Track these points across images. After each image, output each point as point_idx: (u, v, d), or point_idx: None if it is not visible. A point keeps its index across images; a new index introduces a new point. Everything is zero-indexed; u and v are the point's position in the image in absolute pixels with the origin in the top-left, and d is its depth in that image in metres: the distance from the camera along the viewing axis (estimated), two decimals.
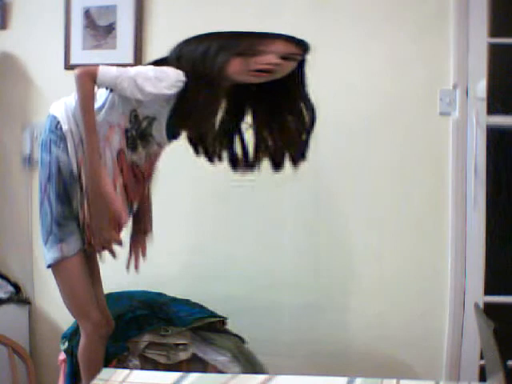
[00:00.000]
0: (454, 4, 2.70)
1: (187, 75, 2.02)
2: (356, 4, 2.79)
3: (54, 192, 2.07)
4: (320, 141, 2.85)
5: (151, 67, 2.06)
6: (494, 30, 2.73)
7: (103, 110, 2.08)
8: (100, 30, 2.93)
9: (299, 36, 2.09)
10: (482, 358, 2.68)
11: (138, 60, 2.90)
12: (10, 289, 2.98)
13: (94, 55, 2.94)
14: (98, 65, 2.03)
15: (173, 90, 2.01)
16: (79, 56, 2.95)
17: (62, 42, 2.97)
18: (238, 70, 2.06)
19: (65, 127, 2.08)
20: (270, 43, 2.06)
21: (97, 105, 2.06)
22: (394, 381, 1.62)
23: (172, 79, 2.00)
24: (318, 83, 2.54)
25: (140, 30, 2.90)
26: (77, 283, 2.12)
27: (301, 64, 2.18)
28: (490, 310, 2.65)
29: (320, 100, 2.61)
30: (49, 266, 2.11)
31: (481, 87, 2.72)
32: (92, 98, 2.02)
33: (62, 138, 2.08)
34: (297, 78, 2.19)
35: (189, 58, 2.06)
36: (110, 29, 2.92)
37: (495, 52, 2.75)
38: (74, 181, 2.07)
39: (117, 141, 2.09)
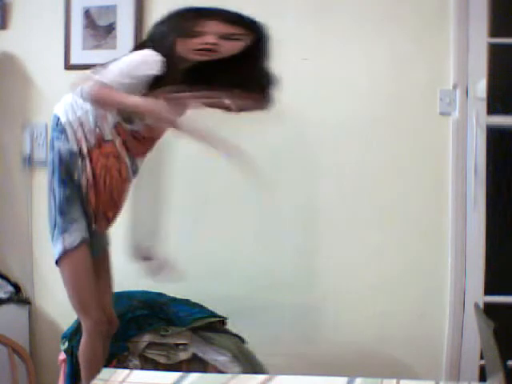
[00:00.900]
0: (454, 4, 2.70)
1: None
2: (356, 4, 2.79)
3: (57, 180, 2.15)
4: (320, 140, 2.85)
5: (121, 69, 2.12)
6: (494, 30, 2.73)
7: None
8: (100, 29, 2.93)
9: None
10: (482, 358, 2.68)
11: None
12: (10, 289, 2.98)
13: (94, 55, 2.93)
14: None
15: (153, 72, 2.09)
16: (79, 56, 2.95)
17: (62, 42, 2.97)
18: (184, 49, 2.15)
19: (63, 120, 2.16)
20: (205, 24, 2.14)
21: None
22: (394, 381, 1.62)
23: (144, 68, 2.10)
24: (317, 83, 2.54)
25: (140, 30, 2.90)
26: (80, 278, 2.16)
27: (258, 43, 2.23)
28: (489, 310, 2.65)
29: (320, 100, 2.62)
30: (57, 263, 2.16)
31: (481, 87, 2.72)
32: (113, 91, 2.08)
33: (63, 130, 2.16)
34: (253, 57, 2.24)
35: (157, 40, 2.17)
36: (110, 29, 2.92)
37: (495, 52, 2.75)
38: (75, 158, 2.14)
39: (111, 116, 2.16)
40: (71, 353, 2.34)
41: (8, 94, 3.04)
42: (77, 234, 2.12)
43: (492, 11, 2.73)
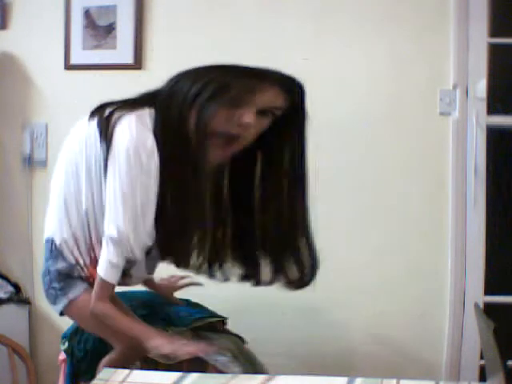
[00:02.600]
0: (454, 4, 2.70)
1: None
2: (356, 4, 2.79)
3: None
4: (320, 140, 2.84)
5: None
6: (494, 30, 2.74)
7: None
8: (100, 30, 2.93)
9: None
10: (482, 358, 2.68)
11: (137, 60, 2.90)
12: (10, 289, 2.98)
13: (94, 55, 2.94)
14: None
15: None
16: (79, 56, 2.95)
17: (62, 42, 2.97)
18: (221, 124, 1.75)
19: (58, 241, 1.93)
20: (262, 91, 1.77)
21: None
22: (394, 381, 1.62)
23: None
24: (317, 83, 2.54)
25: (140, 30, 2.90)
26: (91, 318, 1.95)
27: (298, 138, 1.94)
28: (490, 310, 2.65)
29: (320, 100, 2.60)
30: (61, 314, 2.00)
31: (481, 87, 2.72)
32: (117, 314, 1.87)
33: (59, 253, 1.93)
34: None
35: (176, 102, 1.78)
36: (110, 29, 2.92)
37: (495, 52, 2.75)
38: (74, 268, 1.94)
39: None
40: (71, 353, 2.33)
41: (8, 94, 3.04)
42: (79, 287, 1.95)
43: (492, 11, 2.73)
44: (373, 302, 2.83)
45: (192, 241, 1.87)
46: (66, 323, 2.45)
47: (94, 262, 1.90)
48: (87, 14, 2.94)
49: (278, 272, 2.01)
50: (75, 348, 2.28)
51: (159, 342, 1.82)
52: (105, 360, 2.06)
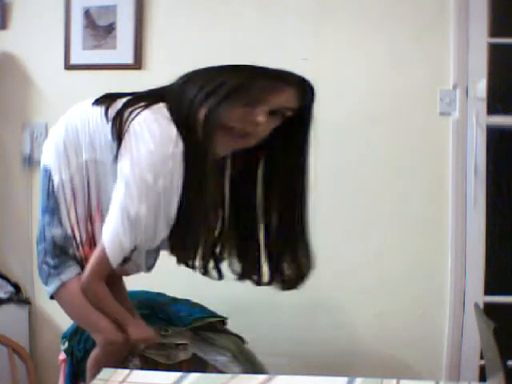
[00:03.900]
0: (454, 4, 2.70)
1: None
2: (356, 4, 2.79)
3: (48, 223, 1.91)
4: (319, 140, 2.84)
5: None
6: (494, 30, 2.74)
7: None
8: (100, 30, 2.93)
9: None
10: (482, 358, 2.68)
11: (137, 60, 2.90)
12: (10, 289, 2.98)
13: (94, 55, 2.94)
14: None
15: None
16: (79, 56, 2.95)
17: (62, 42, 2.97)
18: (233, 121, 1.78)
19: (56, 179, 1.87)
20: (279, 92, 1.81)
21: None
22: (394, 381, 1.62)
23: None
24: (317, 83, 2.52)
25: (140, 30, 2.90)
26: (82, 305, 1.93)
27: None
28: (490, 310, 2.65)
29: (320, 100, 2.60)
30: (52, 297, 1.97)
31: (481, 87, 2.72)
32: (108, 296, 1.88)
33: (55, 210, 1.88)
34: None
35: (187, 99, 1.80)
36: (110, 29, 2.92)
37: (495, 52, 2.75)
38: (70, 241, 1.90)
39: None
40: (71, 353, 2.34)
41: (8, 94, 3.04)
42: (73, 269, 1.92)
43: (492, 11, 2.73)
44: (373, 302, 2.83)
45: (200, 235, 1.88)
46: (66, 323, 2.45)
47: (90, 240, 1.88)
48: (87, 14, 2.94)
49: (276, 272, 2.03)
50: (75, 348, 2.28)
51: (136, 330, 1.88)
52: (91, 356, 2.04)
